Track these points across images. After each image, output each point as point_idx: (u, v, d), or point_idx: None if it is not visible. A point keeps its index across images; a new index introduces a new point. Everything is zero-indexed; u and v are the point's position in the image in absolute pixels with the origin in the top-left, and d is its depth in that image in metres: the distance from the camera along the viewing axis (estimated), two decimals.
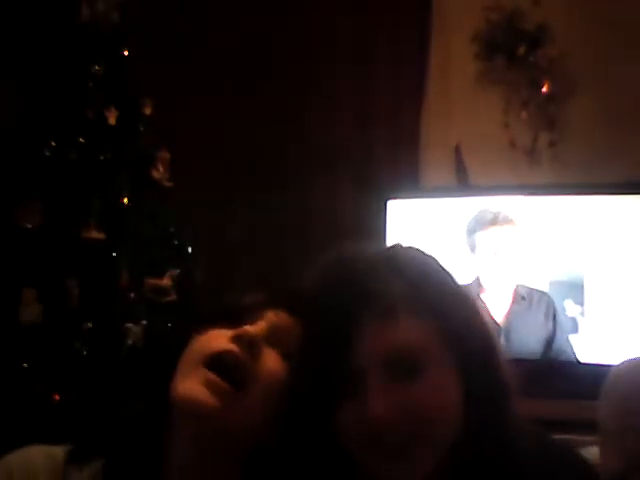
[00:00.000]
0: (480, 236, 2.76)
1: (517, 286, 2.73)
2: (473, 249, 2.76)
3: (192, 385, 0.81)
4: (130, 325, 2.44)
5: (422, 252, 0.94)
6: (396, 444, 0.82)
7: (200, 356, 0.83)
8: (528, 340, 2.69)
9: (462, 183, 3.10)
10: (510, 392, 0.89)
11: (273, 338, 0.87)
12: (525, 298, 2.71)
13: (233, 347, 0.83)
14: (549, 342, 2.68)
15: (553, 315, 2.68)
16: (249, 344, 0.83)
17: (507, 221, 2.76)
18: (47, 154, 2.50)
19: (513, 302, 2.72)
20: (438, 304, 0.86)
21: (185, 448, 0.86)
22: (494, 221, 2.76)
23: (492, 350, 0.90)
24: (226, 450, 0.86)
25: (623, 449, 1.41)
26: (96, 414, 2.21)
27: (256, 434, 0.85)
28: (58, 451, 0.94)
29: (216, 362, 0.82)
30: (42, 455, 0.93)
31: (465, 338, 0.86)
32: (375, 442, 0.82)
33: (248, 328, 0.85)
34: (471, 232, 2.76)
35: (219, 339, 0.84)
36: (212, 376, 0.81)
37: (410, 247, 0.95)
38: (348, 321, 0.83)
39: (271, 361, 0.85)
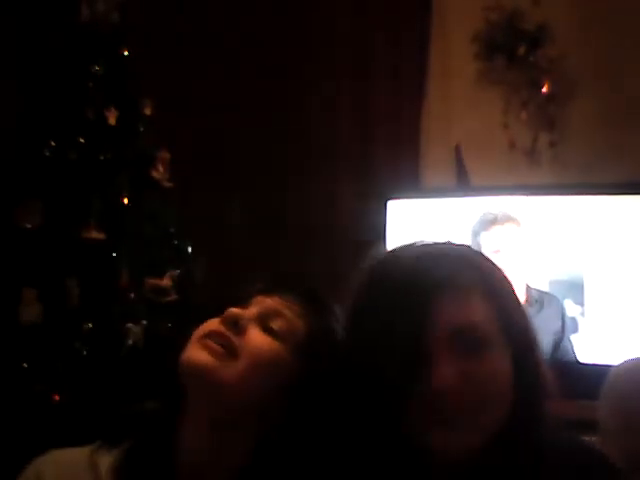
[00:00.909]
0: (483, 236, 2.76)
1: (529, 288, 2.74)
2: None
3: (192, 351, 0.96)
4: (130, 325, 2.44)
5: (471, 248, 1.04)
6: (456, 411, 0.88)
7: (197, 336, 0.98)
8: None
9: (462, 183, 3.10)
10: (546, 384, 0.95)
11: (264, 319, 0.99)
12: (538, 301, 2.71)
13: (220, 327, 0.97)
14: (557, 344, 2.68)
15: (562, 318, 2.69)
16: (234, 322, 0.97)
17: (509, 219, 2.75)
18: (47, 154, 2.49)
19: (526, 304, 2.72)
20: (500, 292, 0.95)
21: (195, 429, 0.97)
22: (495, 220, 2.76)
23: (536, 342, 0.97)
24: (230, 420, 0.96)
25: (623, 449, 1.41)
26: (96, 414, 2.21)
27: (254, 405, 0.96)
28: (81, 450, 1.03)
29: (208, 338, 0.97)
30: (67, 454, 1.03)
31: (518, 327, 0.94)
32: (438, 409, 0.88)
33: (233, 309, 0.98)
34: (475, 234, 2.76)
35: (212, 322, 0.99)
36: (207, 341, 0.95)
37: (462, 244, 1.03)
38: (424, 298, 0.90)
39: (257, 337, 0.97)
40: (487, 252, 2.97)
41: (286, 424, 0.95)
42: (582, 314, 2.67)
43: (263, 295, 1.02)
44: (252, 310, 1.00)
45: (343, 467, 0.93)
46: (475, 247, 2.85)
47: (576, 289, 2.68)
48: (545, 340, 2.69)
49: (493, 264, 0.99)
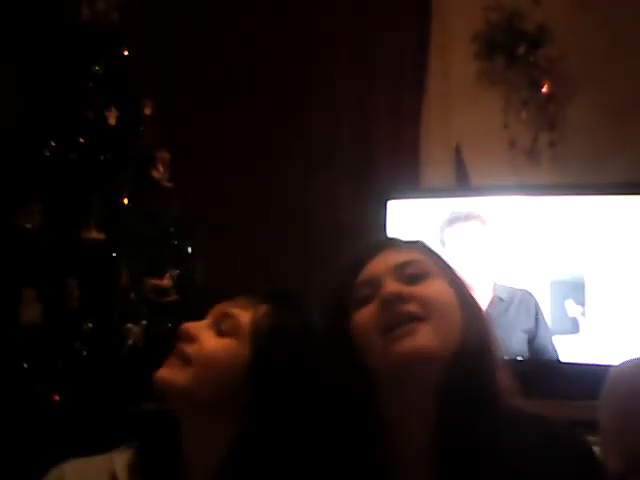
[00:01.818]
0: (447, 233, 2.76)
1: (496, 286, 2.72)
2: (443, 246, 2.75)
3: (158, 371, 1.09)
4: (130, 325, 2.44)
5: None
6: (405, 320, 0.98)
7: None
8: (507, 341, 2.66)
9: (462, 183, 3.10)
10: (491, 330, 1.07)
11: (216, 324, 1.11)
12: (504, 299, 2.69)
13: (178, 343, 1.10)
14: (530, 342, 2.67)
15: (535, 314, 2.68)
16: (186, 335, 1.09)
17: (473, 217, 2.74)
18: (47, 154, 2.49)
19: (490, 304, 2.68)
20: (436, 254, 1.12)
21: (185, 428, 1.10)
22: (459, 218, 2.75)
23: (482, 315, 1.08)
24: (205, 417, 1.08)
25: (623, 449, 1.41)
26: (96, 414, 2.21)
27: (220, 398, 1.06)
28: (101, 456, 1.13)
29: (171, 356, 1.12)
30: (88, 460, 1.13)
31: (458, 278, 1.09)
32: (388, 321, 0.98)
33: (184, 324, 1.11)
34: (440, 231, 2.76)
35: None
36: (169, 359, 1.09)
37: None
38: (375, 251, 1.10)
39: (206, 341, 1.09)
40: (449, 249, 2.97)
41: (256, 407, 1.06)
42: (583, 314, 2.67)
43: (221, 304, 1.14)
44: (206, 320, 1.12)
45: (318, 445, 1.02)
46: (440, 244, 2.87)
47: (577, 289, 2.68)
48: (513, 338, 2.67)
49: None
